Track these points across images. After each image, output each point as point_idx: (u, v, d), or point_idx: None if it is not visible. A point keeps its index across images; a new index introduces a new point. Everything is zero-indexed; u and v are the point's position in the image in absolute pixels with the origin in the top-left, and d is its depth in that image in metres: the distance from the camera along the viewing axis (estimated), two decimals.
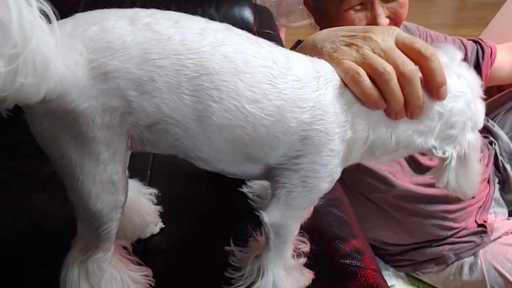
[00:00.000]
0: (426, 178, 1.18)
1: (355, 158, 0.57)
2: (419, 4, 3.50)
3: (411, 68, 0.53)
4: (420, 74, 0.53)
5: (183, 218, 0.78)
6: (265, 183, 0.76)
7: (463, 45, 1.28)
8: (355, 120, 0.53)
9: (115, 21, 0.47)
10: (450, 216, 1.20)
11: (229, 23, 1.55)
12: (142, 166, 0.54)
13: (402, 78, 0.53)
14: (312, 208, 0.76)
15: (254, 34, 1.29)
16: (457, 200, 1.18)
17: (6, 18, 0.38)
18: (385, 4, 1.00)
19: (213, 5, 1.51)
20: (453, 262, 1.25)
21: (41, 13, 0.41)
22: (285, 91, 0.50)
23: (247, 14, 1.54)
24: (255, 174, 0.58)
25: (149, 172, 0.84)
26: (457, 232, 1.23)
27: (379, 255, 1.36)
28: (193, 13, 1.53)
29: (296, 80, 0.51)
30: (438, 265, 1.28)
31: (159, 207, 0.75)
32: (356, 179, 1.17)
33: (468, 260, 1.24)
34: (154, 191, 0.75)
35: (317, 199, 0.59)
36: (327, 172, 0.54)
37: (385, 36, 0.55)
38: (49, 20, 0.42)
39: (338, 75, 0.54)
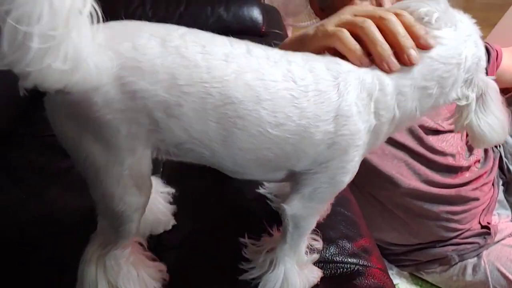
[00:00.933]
0: (435, 175, 1.18)
1: (383, 139, 0.59)
2: None
3: (388, 13, 0.56)
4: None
5: (196, 212, 0.79)
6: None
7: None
8: (379, 107, 0.54)
9: (147, 39, 0.47)
10: (455, 217, 1.20)
11: (238, 22, 1.57)
12: (154, 161, 0.56)
13: (381, 21, 0.55)
14: (329, 205, 0.77)
15: (262, 33, 1.28)
16: (463, 201, 1.20)
17: (60, 2, 0.39)
18: None
19: (223, 4, 1.52)
20: (456, 263, 1.25)
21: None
22: (308, 109, 0.51)
23: (256, 13, 1.55)
24: (280, 179, 0.59)
25: (161, 168, 0.86)
26: (461, 233, 1.23)
27: (383, 255, 1.36)
28: (203, 12, 1.53)
29: (317, 95, 0.52)
30: (441, 266, 1.28)
31: (173, 207, 0.76)
32: (364, 178, 1.17)
33: (471, 261, 1.24)
34: (171, 190, 0.76)
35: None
36: (353, 166, 0.56)
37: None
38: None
39: (327, 49, 0.56)
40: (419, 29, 0.55)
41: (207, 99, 0.48)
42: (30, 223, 0.77)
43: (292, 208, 0.58)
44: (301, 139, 0.52)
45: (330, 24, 0.59)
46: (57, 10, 0.39)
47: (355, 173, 0.58)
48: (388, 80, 0.54)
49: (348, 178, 0.57)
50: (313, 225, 0.62)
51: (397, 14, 0.56)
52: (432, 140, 1.18)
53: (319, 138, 0.52)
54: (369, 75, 0.54)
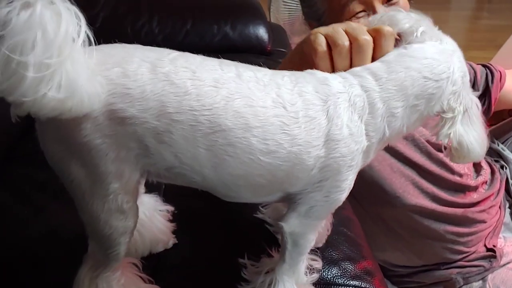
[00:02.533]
0: (442, 193, 1.17)
1: (372, 156, 0.59)
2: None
3: (366, 38, 0.58)
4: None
5: (196, 232, 0.78)
6: (278, 205, 0.77)
7: (473, 69, 1.28)
8: (369, 129, 0.55)
9: (138, 64, 0.48)
10: (461, 239, 1.19)
11: (244, 41, 1.58)
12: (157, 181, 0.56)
13: (356, 45, 0.59)
14: (330, 225, 0.76)
15: (268, 52, 1.30)
16: (469, 223, 1.19)
17: (52, 31, 0.40)
18: (387, 7, 1.00)
19: (229, 23, 1.53)
20: (461, 286, 1.23)
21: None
22: (299, 136, 0.51)
23: (262, 32, 1.56)
24: (275, 201, 0.60)
25: (163, 186, 0.85)
26: (467, 256, 1.22)
27: (386, 276, 1.34)
28: (209, 30, 1.55)
29: (308, 121, 0.52)
30: None
31: (173, 225, 0.75)
32: (368, 195, 1.16)
33: (476, 284, 1.22)
34: (170, 208, 0.76)
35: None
36: (348, 184, 0.56)
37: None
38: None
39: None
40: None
41: (196, 127, 0.48)
42: (31, 240, 0.76)
43: (289, 225, 0.58)
44: (293, 165, 0.52)
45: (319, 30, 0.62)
46: (51, 38, 0.40)
47: (350, 190, 0.58)
48: (379, 104, 0.54)
49: (343, 196, 0.57)
50: (311, 243, 0.62)
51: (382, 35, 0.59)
52: (440, 155, 1.18)
53: (311, 163, 0.53)
54: (360, 98, 0.54)
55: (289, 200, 0.58)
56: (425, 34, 0.58)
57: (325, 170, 0.53)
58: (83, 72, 0.43)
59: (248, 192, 0.55)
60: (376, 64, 0.57)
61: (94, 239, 0.57)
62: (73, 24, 0.42)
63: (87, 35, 0.43)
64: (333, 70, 0.60)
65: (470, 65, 1.29)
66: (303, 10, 1.19)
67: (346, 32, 0.60)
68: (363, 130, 0.54)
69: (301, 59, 0.66)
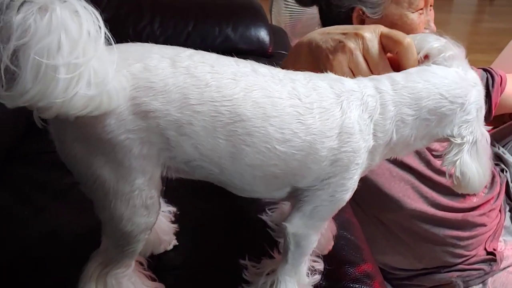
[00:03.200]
0: (442, 198, 1.17)
1: (378, 160, 0.60)
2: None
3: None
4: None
5: (197, 233, 0.78)
6: (285, 209, 0.77)
7: (491, 74, 1.28)
8: (377, 129, 0.56)
9: (158, 60, 0.49)
10: (462, 243, 1.19)
11: (245, 43, 1.58)
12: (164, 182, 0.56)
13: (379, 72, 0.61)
14: (332, 236, 0.76)
15: (269, 54, 1.30)
16: (469, 227, 1.18)
17: (76, 31, 0.41)
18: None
19: (231, 25, 1.53)
20: None
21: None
22: (313, 125, 0.53)
23: (263, 34, 1.56)
24: (282, 197, 0.60)
25: (164, 187, 0.85)
26: (467, 259, 1.22)
27: (386, 279, 1.34)
28: (211, 32, 1.55)
29: (322, 112, 0.53)
30: None
31: (175, 226, 0.75)
32: (369, 200, 1.16)
33: (476, 287, 1.22)
34: (173, 209, 0.76)
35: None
36: (352, 184, 0.57)
37: (372, 33, 0.64)
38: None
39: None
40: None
41: (217, 117, 0.50)
42: (32, 241, 0.76)
43: (293, 226, 0.59)
44: (307, 155, 0.53)
45: (342, 62, 0.65)
46: (75, 38, 0.41)
47: (353, 191, 0.59)
48: (391, 107, 0.55)
49: (347, 195, 0.58)
50: (314, 245, 0.62)
51: (403, 47, 0.62)
52: (439, 163, 1.17)
53: (324, 154, 0.54)
54: (373, 99, 0.55)
55: (296, 198, 0.59)
56: (453, 60, 0.59)
57: (335, 165, 0.55)
58: (109, 68, 0.44)
59: (262, 184, 0.56)
60: (397, 73, 0.59)
61: (112, 237, 0.57)
62: (92, 23, 0.42)
63: (105, 33, 0.44)
64: None
65: (486, 70, 1.29)
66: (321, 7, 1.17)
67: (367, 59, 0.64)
68: (371, 129, 0.55)
69: (308, 62, 0.67)
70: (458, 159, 0.59)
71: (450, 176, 0.60)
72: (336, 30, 0.67)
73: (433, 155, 1.17)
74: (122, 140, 0.49)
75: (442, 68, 0.58)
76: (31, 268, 0.71)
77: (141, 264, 0.66)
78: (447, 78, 0.57)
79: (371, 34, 0.64)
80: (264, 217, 0.78)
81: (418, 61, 0.62)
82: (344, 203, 0.59)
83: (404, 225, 1.19)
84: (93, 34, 0.42)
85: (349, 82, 0.57)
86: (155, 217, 0.57)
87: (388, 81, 0.57)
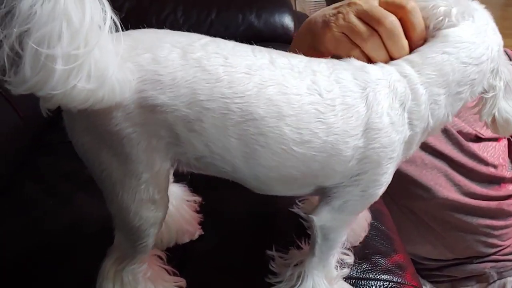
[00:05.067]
0: (475, 186, 1.14)
1: (415, 148, 0.56)
2: None
3: (391, 20, 0.54)
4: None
5: (223, 223, 0.77)
6: (315, 199, 0.75)
7: (508, 55, 1.23)
8: (412, 117, 0.52)
9: (169, 50, 0.46)
10: (496, 233, 1.16)
11: (269, 29, 1.57)
12: (190, 171, 0.55)
13: (384, 30, 0.54)
14: (367, 224, 0.74)
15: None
16: (504, 216, 1.15)
17: (77, 20, 0.39)
18: None
19: (254, 11, 1.52)
20: (495, 281, 1.20)
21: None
22: (336, 124, 0.49)
23: (287, 21, 1.54)
24: (308, 194, 0.58)
25: (189, 176, 0.85)
26: (501, 250, 1.18)
27: (416, 270, 1.31)
28: (234, 19, 1.54)
29: (345, 109, 0.49)
30: (479, 283, 1.23)
31: (200, 216, 0.74)
32: (399, 188, 1.14)
33: (511, 279, 1.19)
34: (198, 198, 0.75)
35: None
36: (386, 178, 0.53)
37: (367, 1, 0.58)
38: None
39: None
40: (419, 34, 0.55)
41: (228, 115, 0.47)
42: (55, 231, 0.77)
43: (320, 219, 0.56)
44: (329, 156, 0.49)
45: (335, 25, 0.59)
46: (77, 28, 0.39)
47: (387, 185, 0.55)
48: (422, 89, 0.51)
49: (381, 190, 0.54)
50: (343, 238, 0.60)
51: (407, 11, 0.55)
52: (473, 146, 1.14)
53: (349, 154, 0.50)
54: (401, 84, 0.51)
55: (323, 194, 0.56)
56: (458, 15, 0.54)
57: (364, 162, 0.51)
58: (112, 60, 0.42)
59: (280, 185, 0.53)
60: (409, 55, 0.54)
61: (122, 231, 0.56)
62: (98, 11, 0.40)
63: (114, 21, 0.42)
64: (370, 61, 0.57)
65: (505, 52, 1.24)
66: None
67: (366, 20, 0.56)
68: (406, 118, 0.51)
69: (307, 41, 0.64)
70: (496, 110, 0.55)
71: (492, 124, 0.57)
72: (332, 5, 0.63)
73: (465, 139, 1.13)
74: (130, 133, 0.47)
75: (452, 32, 0.53)
76: (54, 259, 0.72)
77: (160, 258, 0.65)
78: (462, 42, 0.52)
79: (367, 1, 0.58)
80: (295, 209, 0.76)
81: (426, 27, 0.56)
82: (377, 198, 0.55)
83: (435, 214, 1.16)
84: (96, 24, 0.40)
85: (373, 70, 0.52)
86: (164, 212, 0.55)
87: (405, 63, 0.52)
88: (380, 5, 0.56)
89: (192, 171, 0.56)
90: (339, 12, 0.59)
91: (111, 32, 0.42)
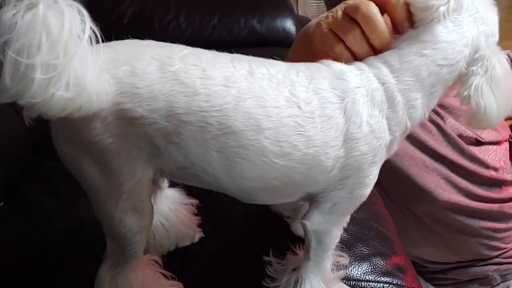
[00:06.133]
0: (476, 188, 1.14)
1: (396, 147, 0.57)
2: None
3: (367, 4, 0.54)
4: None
5: (221, 226, 0.78)
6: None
7: (510, 58, 1.24)
8: (391, 124, 0.52)
9: (147, 63, 0.47)
10: (498, 235, 1.15)
11: (271, 34, 1.56)
12: None
13: (361, 17, 0.54)
14: None
15: None
16: (506, 218, 1.14)
17: (56, 31, 0.40)
18: None
19: (256, 16, 1.52)
20: (498, 284, 1.19)
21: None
22: (315, 136, 0.49)
23: (289, 25, 1.54)
24: (294, 201, 0.58)
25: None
26: (504, 253, 1.18)
27: (419, 273, 1.31)
28: (236, 24, 1.54)
29: (324, 121, 0.49)
30: (482, 286, 1.22)
31: (198, 218, 0.75)
32: (400, 191, 1.14)
33: None
34: (195, 201, 0.75)
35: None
36: (371, 179, 0.54)
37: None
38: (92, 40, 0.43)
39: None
40: (400, 15, 0.54)
41: (206, 128, 0.47)
42: (59, 233, 0.77)
43: (313, 223, 0.56)
44: (310, 167, 0.50)
45: (324, 23, 0.59)
46: (56, 38, 0.40)
47: (374, 184, 0.56)
48: (399, 97, 0.51)
49: (367, 190, 0.55)
50: (336, 240, 0.60)
51: None
52: (473, 150, 1.14)
53: (330, 165, 0.50)
54: (379, 92, 0.51)
55: (311, 199, 0.56)
56: (445, 12, 0.52)
57: (346, 169, 0.51)
58: (90, 70, 0.43)
59: (264, 195, 0.54)
60: (388, 53, 0.54)
61: (111, 238, 0.57)
62: (77, 22, 0.41)
63: (94, 32, 0.43)
64: (354, 56, 0.57)
65: (507, 55, 1.24)
66: (325, 1, 1.17)
67: (348, 12, 0.56)
68: (385, 125, 0.52)
69: (302, 46, 0.64)
70: (469, 92, 0.53)
71: (467, 112, 0.55)
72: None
73: (466, 142, 1.13)
74: (110, 144, 0.47)
75: (433, 30, 0.52)
76: (57, 260, 0.72)
77: (157, 262, 0.65)
78: (440, 42, 0.51)
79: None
80: (274, 208, 0.76)
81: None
82: (365, 198, 0.56)
83: (437, 217, 1.16)
84: (75, 34, 0.41)
85: (352, 77, 0.51)
86: (149, 220, 0.56)
87: (384, 66, 0.52)
88: None
89: (176, 181, 0.56)
90: (330, 12, 0.59)
91: (91, 42, 0.43)
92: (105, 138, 0.47)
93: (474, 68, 0.53)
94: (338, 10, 0.58)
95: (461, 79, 0.54)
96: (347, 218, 0.61)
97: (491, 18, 0.54)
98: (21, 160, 0.98)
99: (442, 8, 0.51)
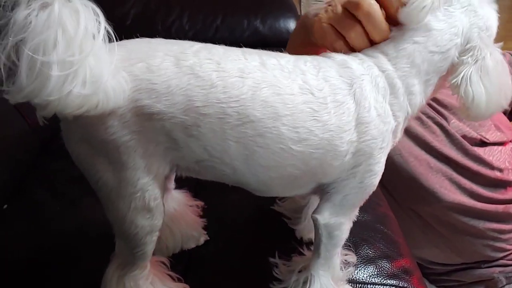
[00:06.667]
0: (481, 189, 1.13)
1: (400, 136, 0.58)
2: None
3: (369, 2, 0.54)
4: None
5: (229, 229, 0.77)
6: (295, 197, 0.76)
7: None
8: (394, 109, 0.54)
9: (161, 59, 0.47)
10: (503, 236, 1.14)
11: (274, 35, 1.56)
12: (190, 176, 0.55)
13: (362, 14, 0.55)
14: None
15: None
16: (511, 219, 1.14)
17: (72, 29, 0.40)
18: None
19: (259, 17, 1.52)
20: (504, 286, 1.18)
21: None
22: (330, 121, 0.50)
23: (292, 26, 1.54)
24: (307, 193, 0.58)
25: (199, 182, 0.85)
26: (509, 254, 1.17)
27: (424, 274, 1.30)
28: (239, 25, 1.55)
29: (337, 106, 0.51)
30: None
31: (204, 220, 0.75)
32: (405, 192, 1.14)
33: None
34: (200, 203, 0.75)
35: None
36: (380, 167, 0.55)
37: None
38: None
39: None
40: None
41: (224, 119, 0.48)
42: (62, 235, 0.77)
43: (324, 217, 0.57)
44: (326, 152, 0.51)
45: (323, 17, 0.59)
46: (71, 36, 0.40)
47: (382, 173, 0.57)
48: (399, 83, 0.53)
49: (377, 179, 0.56)
50: (346, 234, 0.61)
51: None
52: (478, 151, 1.13)
53: (344, 149, 0.51)
54: (382, 79, 0.53)
55: (322, 191, 0.57)
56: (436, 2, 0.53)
57: (358, 155, 0.52)
58: (106, 68, 0.43)
59: (280, 185, 0.54)
60: (384, 44, 0.55)
61: (121, 239, 0.57)
62: (92, 21, 0.42)
63: (107, 31, 0.43)
64: (353, 50, 0.58)
65: (511, 55, 1.24)
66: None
67: (349, 8, 0.57)
68: (389, 110, 0.53)
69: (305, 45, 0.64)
70: (459, 78, 0.53)
71: (458, 103, 0.56)
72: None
73: (470, 143, 1.12)
74: (127, 141, 0.48)
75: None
76: (61, 261, 0.72)
77: (164, 264, 0.65)
78: (430, 30, 0.53)
79: None
80: (276, 208, 0.77)
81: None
82: (375, 188, 0.57)
83: (441, 218, 1.15)
84: (90, 32, 0.41)
85: (355, 65, 0.53)
86: (160, 220, 0.56)
87: (382, 55, 0.54)
88: None
89: (191, 176, 0.56)
90: (329, 5, 0.60)
91: (106, 42, 0.43)
92: (122, 135, 0.47)
93: (464, 57, 0.54)
94: (338, 5, 0.58)
95: (453, 68, 0.55)
96: (356, 211, 0.61)
97: (487, 13, 0.55)
98: (25, 161, 0.97)
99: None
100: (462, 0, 0.54)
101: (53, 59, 0.39)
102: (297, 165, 0.51)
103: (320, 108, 0.50)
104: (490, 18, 0.56)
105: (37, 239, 0.77)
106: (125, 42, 0.49)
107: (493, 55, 0.54)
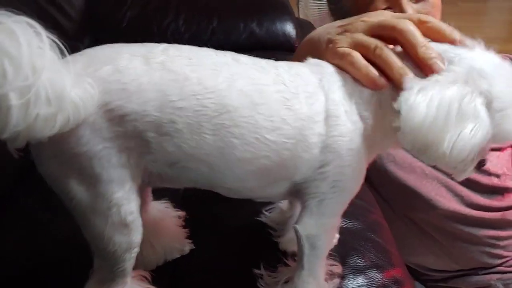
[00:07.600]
0: (478, 197, 1.12)
1: (385, 145, 0.58)
2: (470, 17, 3.40)
3: (406, 22, 0.53)
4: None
5: (213, 240, 0.76)
6: (284, 207, 0.75)
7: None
8: (360, 108, 0.53)
9: (129, 60, 0.47)
10: (501, 243, 1.13)
11: (271, 37, 1.56)
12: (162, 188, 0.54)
13: (399, 34, 0.54)
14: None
15: (295, 48, 1.27)
16: (509, 226, 1.13)
17: (16, 51, 0.38)
18: (415, 4, 0.97)
19: (255, 20, 1.52)
20: None
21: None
22: (301, 110, 0.51)
23: (289, 28, 1.54)
24: (282, 194, 0.58)
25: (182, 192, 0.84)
26: (507, 261, 1.16)
27: (420, 281, 1.30)
28: (236, 27, 1.55)
29: (308, 96, 0.52)
30: None
31: (186, 230, 0.73)
32: (400, 199, 1.13)
33: None
34: (182, 213, 0.74)
35: (348, 202, 0.58)
36: (353, 172, 0.54)
37: (375, 16, 0.59)
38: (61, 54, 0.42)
39: (338, 66, 0.56)
40: (451, 33, 0.53)
41: (201, 111, 0.47)
42: (51, 244, 0.76)
43: (304, 227, 0.56)
44: (297, 142, 0.51)
45: (342, 42, 0.58)
46: (18, 58, 0.38)
47: (361, 180, 0.56)
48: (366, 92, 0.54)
49: (352, 185, 0.56)
50: (330, 245, 0.60)
51: (420, 21, 0.55)
52: None
53: (313, 141, 0.52)
54: (349, 79, 0.54)
55: (299, 194, 0.56)
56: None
57: (326, 151, 0.52)
58: (67, 78, 0.42)
59: (254, 180, 0.54)
60: None
61: (99, 256, 0.56)
62: (31, 35, 0.40)
63: (52, 40, 0.41)
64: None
65: (511, 59, 1.23)
66: (329, 6, 1.16)
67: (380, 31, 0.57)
68: (355, 110, 0.53)
69: (314, 50, 0.64)
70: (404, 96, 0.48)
71: None
72: (338, 22, 0.64)
73: None
74: (99, 151, 0.46)
75: None
76: (49, 271, 0.71)
77: (146, 278, 0.64)
78: None
79: (375, 15, 0.60)
80: (262, 218, 0.76)
81: None
82: (351, 194, 0.56)
83: (437, 225, 1.15)
84: (35, 47, 0.39)
85: (327, 65, 0.55)
86: (138, 236, 0.54)
87: None
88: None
89: (164, 186, 0.55)
90: (345, 31, 0.60)
91: (55, 51, 0.41)
92: (94, 145, 0.46)
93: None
94: (359, 29, 0.58)
95: None
96: (338, 221, 0.61)
97: (480, 79, 0.50)
98: (14, 169, 0.96)
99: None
100: (463, 66, 0.50)
101: (7, 89, 0.37)
102: (270, 157, 0.51)
103: (292, 97, 0.51)
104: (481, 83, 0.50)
105: (26, 247, 0.76)
106: (86, 50, 0.48)
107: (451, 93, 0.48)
